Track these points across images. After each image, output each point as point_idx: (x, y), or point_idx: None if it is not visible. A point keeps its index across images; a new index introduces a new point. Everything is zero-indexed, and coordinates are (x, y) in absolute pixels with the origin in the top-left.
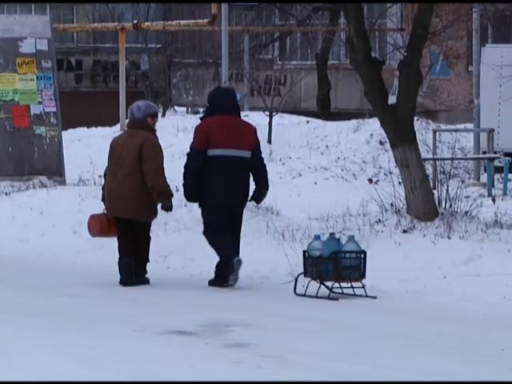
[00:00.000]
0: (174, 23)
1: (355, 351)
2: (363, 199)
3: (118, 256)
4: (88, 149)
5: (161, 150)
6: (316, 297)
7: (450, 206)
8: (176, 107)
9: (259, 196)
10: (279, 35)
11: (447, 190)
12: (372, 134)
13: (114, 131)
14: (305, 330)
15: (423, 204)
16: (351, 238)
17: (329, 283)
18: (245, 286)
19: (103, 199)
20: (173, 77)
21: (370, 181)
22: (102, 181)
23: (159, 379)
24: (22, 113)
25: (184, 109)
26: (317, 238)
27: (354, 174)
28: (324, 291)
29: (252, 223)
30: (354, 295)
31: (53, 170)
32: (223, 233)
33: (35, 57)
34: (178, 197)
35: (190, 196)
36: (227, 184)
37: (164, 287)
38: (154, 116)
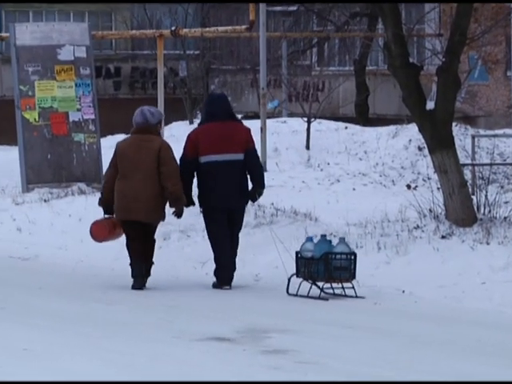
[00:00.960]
0: (212, 30)
1: (393, 357)
2: (402, 205)
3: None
4: None
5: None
6: (307, 297)
7: (489, 211)
8: None
9: (254, 194)
10: (317, 41)
11: (486, 196)
12: (410, 140)
13: None
14: (343, 336)
15: (462, 210)
16: (342, 240)
17: (320, 283)
18: (282, 291)
19: (102, 203)
20: (211, 83)
21: (409, 186)
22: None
23: None
24: (60, 120)
25: None
26: (309, 239)
27: (392, 180)
28: (316, 291)
29: (290, 229)
30: (345, 296)
31: (91, 176)
32: (224, 240)
33: (74, 64)
34: None
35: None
36: (222, 188)
37: (202, 293)
38: (161, 122)
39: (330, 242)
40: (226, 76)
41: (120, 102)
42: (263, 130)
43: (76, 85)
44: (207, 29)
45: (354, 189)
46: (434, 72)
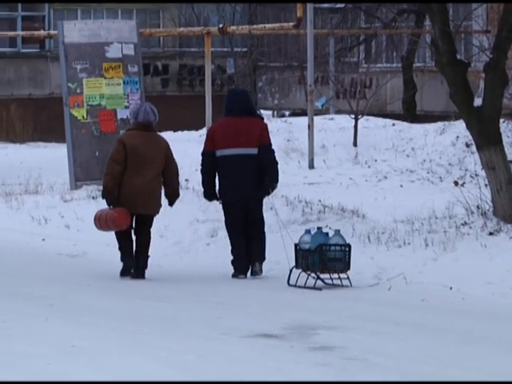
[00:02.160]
0: (260, 27)
1: (441, 354)
2: (449, 202)
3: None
4: (174, 152)
5: None
6: (304, 287)
7: None
8: (262, 110)
9: (266, 188)
10: (364, 38)
11: None
12: (458, 137)
13: (200, 135)
14: (390, 333)
15: (509, 206)
16: (337, 232)
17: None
18: (329, 288)
19: (109, 197)
20: (258, 80)
21: (456, 183)
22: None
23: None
24: (108, 117)
25: (270, 112)
26: (307, 232)
27: (439, 177)
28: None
29: (337, 226)
30: (341, 286)
31: None
32: (237, 235)
33: (122, 61)
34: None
35: (207, 195)
36: (236, 181)
37: (249, 290)
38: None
39: (327, 234)
40: (274, 73)
41: (168, 100)
42: (311, 126)
43: (124, 82)
44: (255, 26)
45: (401, 185)
46: (481, 69)
